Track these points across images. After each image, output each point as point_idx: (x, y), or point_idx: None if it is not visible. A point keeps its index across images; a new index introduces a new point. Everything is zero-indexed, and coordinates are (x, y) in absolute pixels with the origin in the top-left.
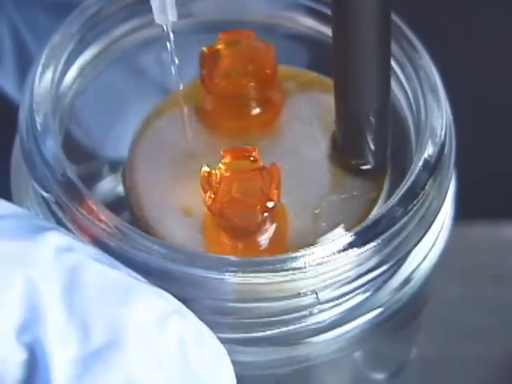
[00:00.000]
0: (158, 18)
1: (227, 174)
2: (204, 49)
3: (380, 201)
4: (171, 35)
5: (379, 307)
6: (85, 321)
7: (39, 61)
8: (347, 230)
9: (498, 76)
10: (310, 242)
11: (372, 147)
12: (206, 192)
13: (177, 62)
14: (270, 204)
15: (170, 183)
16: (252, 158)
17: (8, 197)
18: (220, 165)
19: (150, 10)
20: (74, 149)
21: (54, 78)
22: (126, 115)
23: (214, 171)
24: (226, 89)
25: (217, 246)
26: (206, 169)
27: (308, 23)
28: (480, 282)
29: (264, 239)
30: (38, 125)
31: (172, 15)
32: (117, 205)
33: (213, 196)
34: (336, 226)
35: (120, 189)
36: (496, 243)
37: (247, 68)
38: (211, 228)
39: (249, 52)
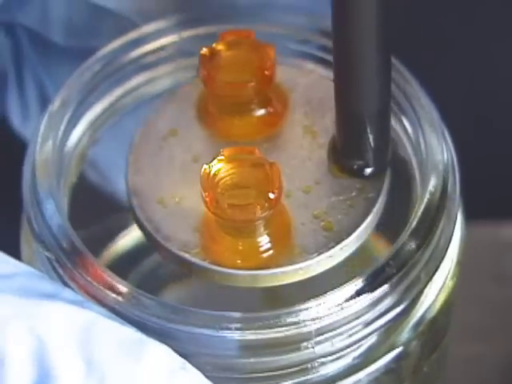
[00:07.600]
0: None
1: (227, 174)
2: (204, 49)
3: (379, 202)
4: None
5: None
6: (103, 376)
7: (41, 122)
8: (346, 230)
9: (498, 76)
10: (310, 243)
11: (372, 149)
12: (205, 191)
13: None
14: (270, 204)
15: (170, 184)
16: (252, 158)
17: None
18: (220, 164)
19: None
20: (84, 206)
21: (55, 141)
22: None
23: (213, 171)
24: (226, 89)
25: (217, 247)
26: (205, 168)
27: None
28: (480, 282)
29: (264, 240)
30: (40, 189)
31: None
32: (128, 262)
33: (213, 195)
34: (335, 226)
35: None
36: (496, 243)
37: (247, 68)
38: (211, 229)
39: (249, 52)
